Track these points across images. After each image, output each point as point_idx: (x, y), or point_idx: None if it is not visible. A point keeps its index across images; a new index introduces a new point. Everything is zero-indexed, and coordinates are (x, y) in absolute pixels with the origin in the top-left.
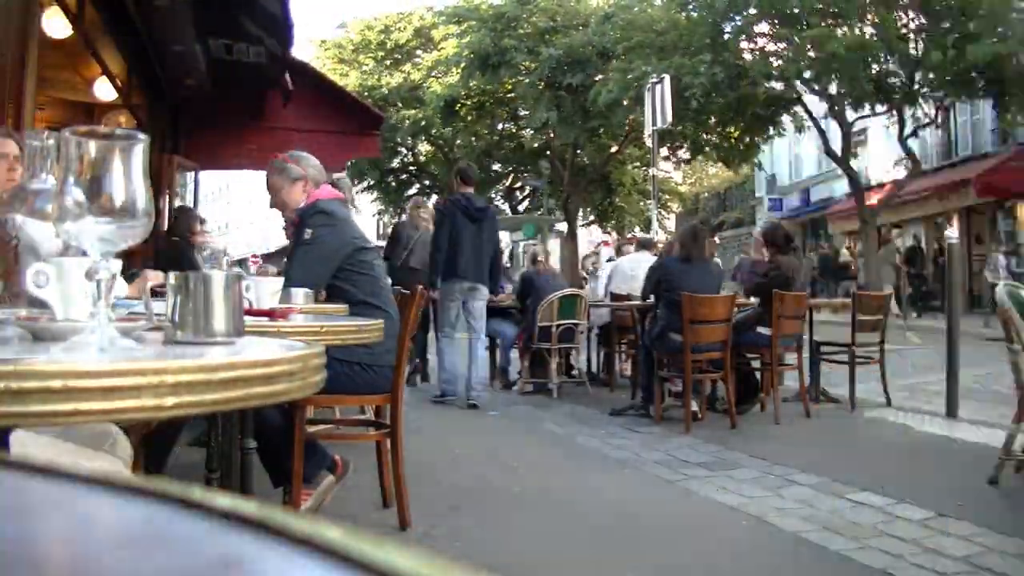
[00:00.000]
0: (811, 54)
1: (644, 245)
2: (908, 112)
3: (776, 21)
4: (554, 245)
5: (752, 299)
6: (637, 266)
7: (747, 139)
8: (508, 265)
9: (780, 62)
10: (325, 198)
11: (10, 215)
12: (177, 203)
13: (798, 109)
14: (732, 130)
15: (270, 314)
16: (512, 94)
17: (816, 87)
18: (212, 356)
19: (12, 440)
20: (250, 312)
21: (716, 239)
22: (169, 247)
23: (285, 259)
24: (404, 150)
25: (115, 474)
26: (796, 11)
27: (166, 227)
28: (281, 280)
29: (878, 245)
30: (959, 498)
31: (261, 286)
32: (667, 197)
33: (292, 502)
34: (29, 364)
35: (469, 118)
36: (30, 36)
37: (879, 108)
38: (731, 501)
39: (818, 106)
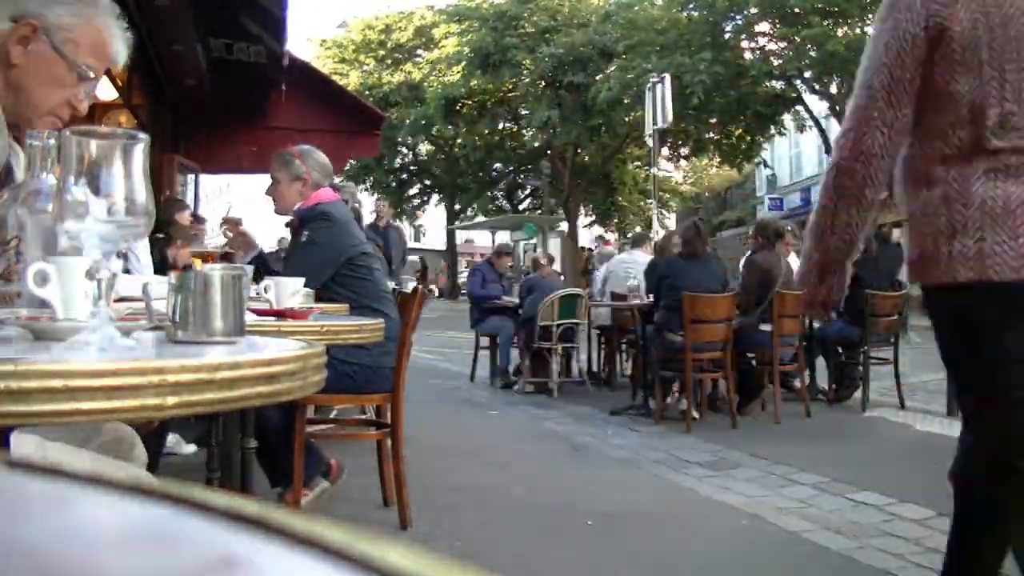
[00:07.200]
0: (812, 53)
1: (637, 242)
2: None
3: (777, 20)
4: (555, 245)
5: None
6: (633, 267)
7: (748, 138)
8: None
9: (781, 61)
10: (326, 200)
11: (11, 214)
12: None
13: (799, 108)
14: (733, 128)
15: (287, 315)
16: (513, 93)
17: (817, 86)
18: (213, 355)
19: (17, 441)
20: (268, 312)
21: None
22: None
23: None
24: (405, 149)
25: (115, 474)
26: (797, 10)
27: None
28: (301, 280)
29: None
30: None
31: (281, 286)
32: (668, 196)
33: (291, 502)
34: (30, 364)
35: (470, 117)
36: None
37: None
38: (731, 500)
39: (819, 105)
